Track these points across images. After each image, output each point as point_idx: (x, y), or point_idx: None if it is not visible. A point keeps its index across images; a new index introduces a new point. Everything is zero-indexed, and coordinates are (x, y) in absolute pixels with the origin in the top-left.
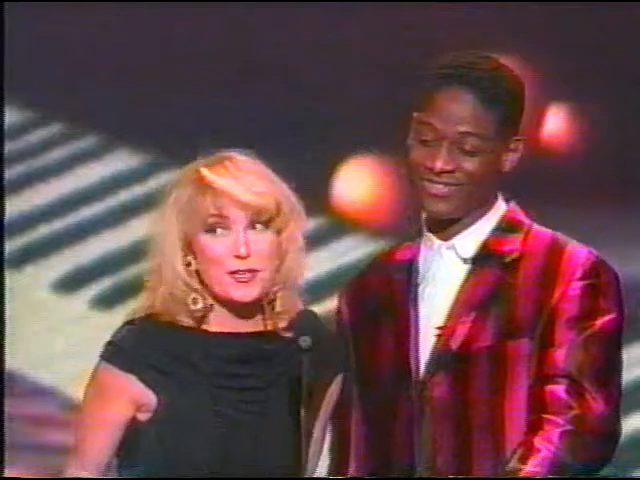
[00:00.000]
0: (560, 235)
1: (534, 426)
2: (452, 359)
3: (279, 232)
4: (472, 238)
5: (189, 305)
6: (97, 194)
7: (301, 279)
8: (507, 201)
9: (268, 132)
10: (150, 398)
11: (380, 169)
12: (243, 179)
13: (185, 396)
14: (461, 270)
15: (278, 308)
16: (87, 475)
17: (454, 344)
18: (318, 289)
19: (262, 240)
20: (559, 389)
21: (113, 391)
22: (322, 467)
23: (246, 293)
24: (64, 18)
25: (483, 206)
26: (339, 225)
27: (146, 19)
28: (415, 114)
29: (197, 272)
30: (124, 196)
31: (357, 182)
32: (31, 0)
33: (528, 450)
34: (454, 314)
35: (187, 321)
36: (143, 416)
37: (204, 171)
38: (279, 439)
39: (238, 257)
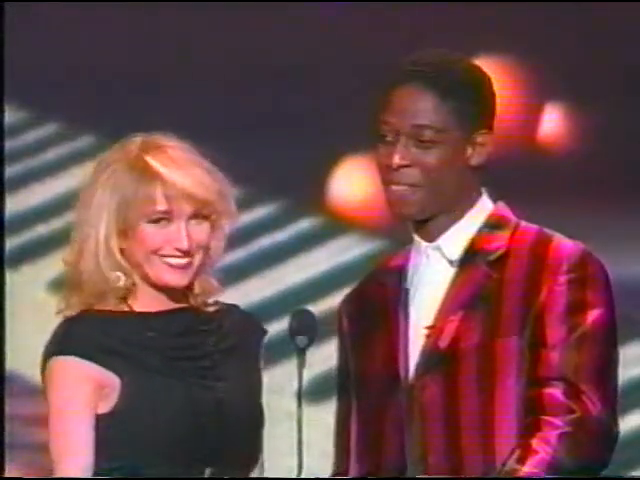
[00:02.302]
0: (546, 230)
1: (531, 428)
2: (441, 358)
3: (212, 221)
4: (457, 238)
5: (112, 283)
6: None
7: (218, 263)
8: (494, 201)
9: (265, 132)
10: (112, 380)
11: (375, 169)
12: (190, 170)
13: (144, 373)
14: (448, 270)
15: (197, 290)
16: (81, 474)
17: (442, 343)
18: (314, 288)
19: (201, 231)
20: (557, 392)
21: (78, 378)
22: (325, 468)
23: (180, 278)
24: (63, 18)
25: (463, 203)
26: (335, 225)
27: (145, 19)
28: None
29: (121, 251)
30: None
31: (353, 182)
32: (31, 0)
33: (525, 451)
34: (442, 314)
35: (112, 301)
36: (107, 403)
37: (150, 160)
38: (239, 403)
39: (178, 249)
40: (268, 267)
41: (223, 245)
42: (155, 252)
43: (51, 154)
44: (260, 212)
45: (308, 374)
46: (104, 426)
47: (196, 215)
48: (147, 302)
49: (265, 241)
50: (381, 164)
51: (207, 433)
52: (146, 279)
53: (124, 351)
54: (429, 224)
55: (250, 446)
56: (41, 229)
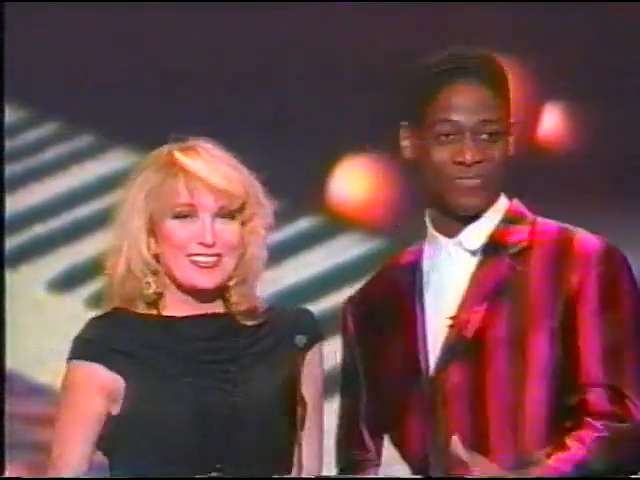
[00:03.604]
0: (567, 225)
1: (570, 429)
2: (466, 347)
3: (243, 224)
4: (478, 232)
5: (142, 289)
6: (93, 193)
7: (260, 273)
8: (510, 198)
9: (265, 132)
10: (119, 383)
11: (376, 168)
12: (217, 165)
13: (156, 375)
14: (469, 263)
15: (235, 301)
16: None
17: (468, 333)
18: (313, 288)
19: (228, 230)
20: (602, 398)
21: (82, 384)
22: (324, 468)
23: (207, 280)
24: (63, 18)
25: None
26: (335, 224)
27: (144, 19)
28: (403, 125)
29: (156, 256)
30: (120, 195)
31: (353, 181)
32: (31, 0)
33: (557, 447)
34: (465, 305)
35: (141, 306)
36: (118, 405)
37: (177, 154)
38: (256, 406)
39: (202, 244)
40: (267, 266)
41: (262, 253)
42: (182, 250)
43: (51, 153)
44: None
45: None
46: (114, 428)
47: (223, 213)
48: (177, 307)
49: None
50: (442, 162)
51: (219, 437)
52: (176, 283)
53: (137, 354)
54: (452, 220)
55: (271, 451)
56: (40, 229)
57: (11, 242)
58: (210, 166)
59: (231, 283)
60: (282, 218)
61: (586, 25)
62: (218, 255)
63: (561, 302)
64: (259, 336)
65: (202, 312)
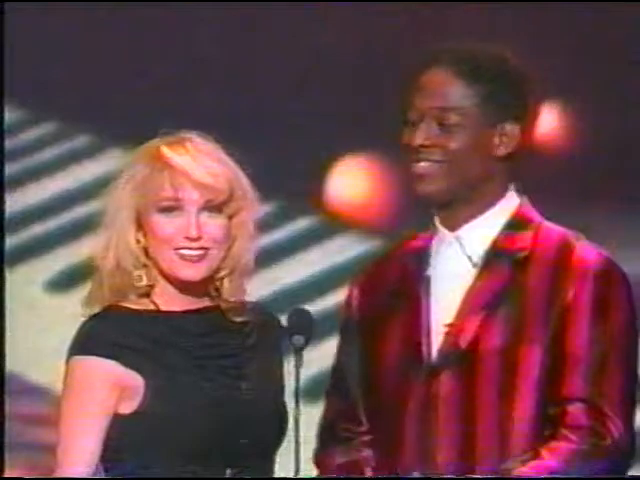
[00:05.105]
0: (571, 233)
1: (548, 438)
2: (460, 357)
3: (230, 217)
4: (480, 233)
5: (134, 282)
6: (90, 193)
7: (250, 266)
8: (520, 196)
9: (263, 131)
10: (136, 380)
11: (373, 168)
12: (202, 160)
13: (169, 371)
14: (471, 269)
15: (225, 295)
16: (83, 473)
17: (463, 342)
18: (311, 288)
19: (214, 224)
20: (580, 413)
21: (98, 379)
22: None
23: (193, 272)
24: (63, 18)
25: (488, 195)
26: (332, 224)
27: (144, 19)
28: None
29: (145, 249)
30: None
31: (350, 181)
32: (31, 0)
33: (531, 455)
34: (463, 312)
35: (132, 297)
36: (130, 403)
37: (164, 149)
38: (261, 395)
39: (188, 238)
40: (265, 266)
41: (251, 245)
42: (168, 243)
43: (49, 153)
44: None
45: (305, 373)
46: (128, 426)
47: (209, 207)
48: (172, 301)
49: (262, 240)
50: (405, 145)
51: (231, 433)
52: (164, 276)
53: (149, 350)
54: (451, 212)
55: (275, 445)
56: (37, 229)
57: (10, 242)
58: (196, 161)
59: (219, 275)
60: (279, 218)
61: (586, 25)
62: (204, 248)
63: (555, 315)
64: (247, 331)
65: (193, 307)
